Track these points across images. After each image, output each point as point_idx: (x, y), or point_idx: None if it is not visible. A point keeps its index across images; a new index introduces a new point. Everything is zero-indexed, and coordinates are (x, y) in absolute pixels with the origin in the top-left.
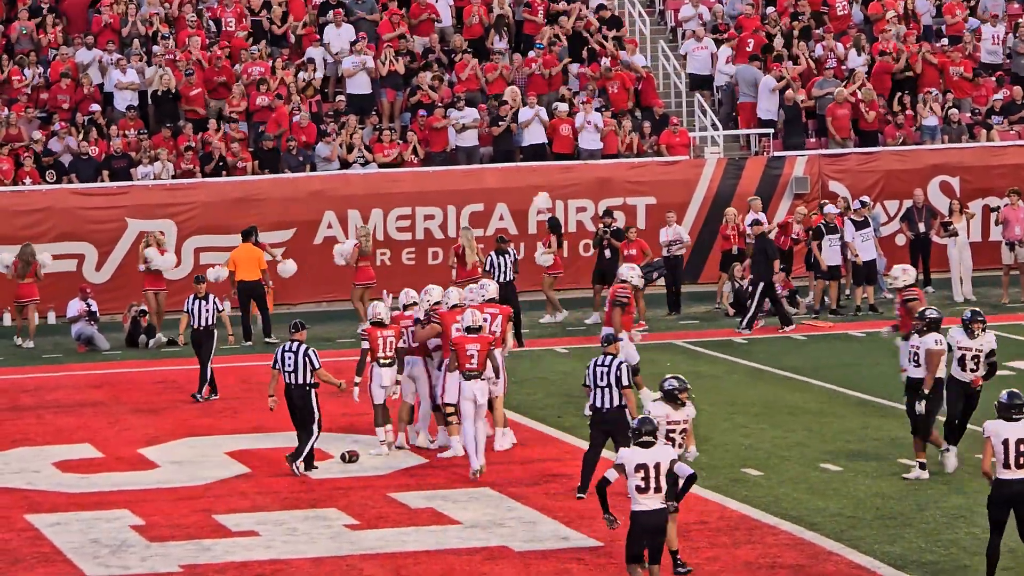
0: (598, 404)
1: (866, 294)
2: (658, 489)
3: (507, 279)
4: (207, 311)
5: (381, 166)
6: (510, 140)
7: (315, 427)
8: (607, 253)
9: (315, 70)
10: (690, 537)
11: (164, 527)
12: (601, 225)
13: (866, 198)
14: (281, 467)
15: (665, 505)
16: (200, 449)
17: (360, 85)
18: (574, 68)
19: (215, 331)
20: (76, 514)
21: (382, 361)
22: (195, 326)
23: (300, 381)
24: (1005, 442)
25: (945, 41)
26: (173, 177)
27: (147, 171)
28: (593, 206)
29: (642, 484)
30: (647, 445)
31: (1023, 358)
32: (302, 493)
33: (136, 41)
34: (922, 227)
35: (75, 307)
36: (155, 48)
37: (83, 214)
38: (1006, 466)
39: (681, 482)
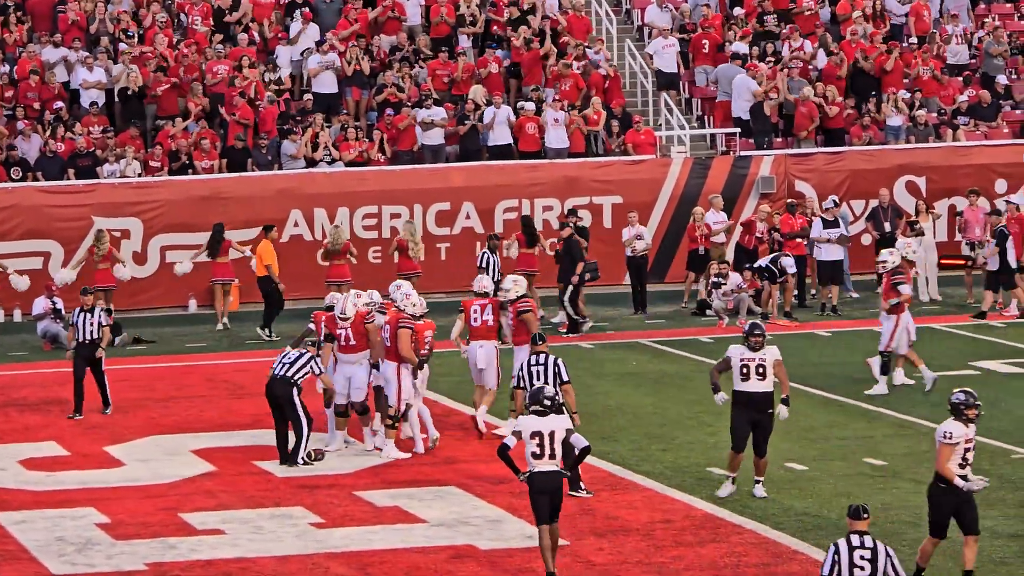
0: None
1: (831, 294)
2: (552, 456)
3: (500, 276)
4: (91, 324)
5: (347, 164)
6: (476, 139)
7: (304, 424)
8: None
9: (281, 69)
10: (654, 536)
11: (130, 525)
12: (566, 221)
13: (835, 197)
14: (247, 466)
15: (559, 468)
16: (166, 447)
17: (326, 84)
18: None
19: (100, 344)
20: (42, 512)
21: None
22: (79, 339)
23: (287, 374)
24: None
25: (913, 40)
26: (139, 175)
27: (113, 169)
28: (560, 205)
29: (537, 450)
30: (542, 414)
31: (991, 359)
32: (268, 492)
33: (104, 39)
34: (888, 226)
35: (40, 305)
36: (122, 46)
37: (49, 212)
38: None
39: (576, 451)
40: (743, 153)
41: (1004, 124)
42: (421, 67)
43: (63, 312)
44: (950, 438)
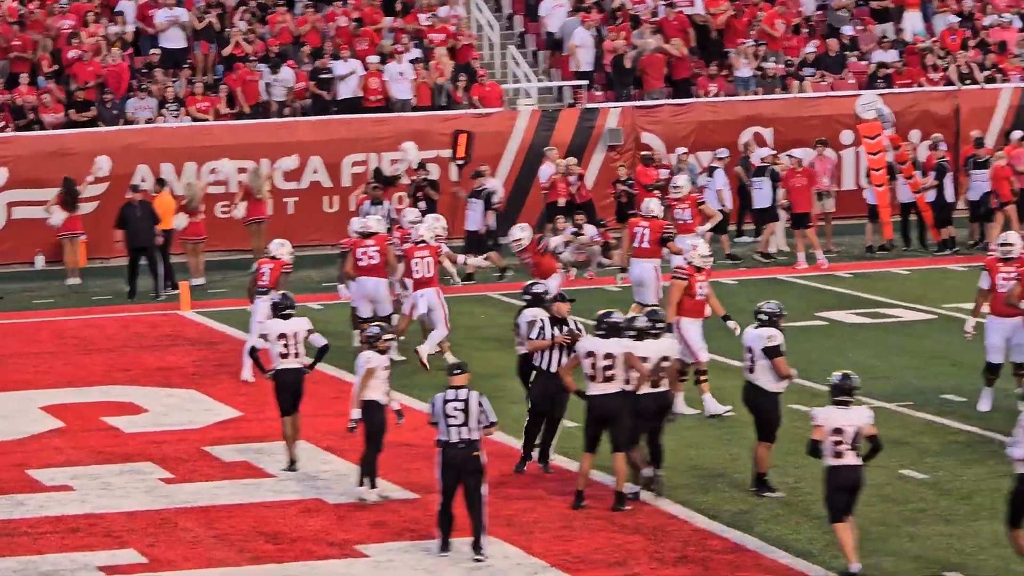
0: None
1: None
2: (297, 355)
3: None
4: None
5: (194, 119)
6: (323, 92)
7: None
8: (422, 205)
9: (125, 23)
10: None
11: None
12: (415, 177)
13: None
14: (96, 422)
15: (303, 366)
16: (14, 403)
17: (173, 39)
18: (387, 21)
19: None
20: None
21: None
22: None
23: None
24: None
25: None
26: None
27: None
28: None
29: (283, 350)
30: (287, 317)
31: (835, 308)
32: (116, 447)
33: None
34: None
35: None
36: None
37: None
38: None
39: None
40: (590, 105)
41: (850, 75)
42: (267, 23)
43: None
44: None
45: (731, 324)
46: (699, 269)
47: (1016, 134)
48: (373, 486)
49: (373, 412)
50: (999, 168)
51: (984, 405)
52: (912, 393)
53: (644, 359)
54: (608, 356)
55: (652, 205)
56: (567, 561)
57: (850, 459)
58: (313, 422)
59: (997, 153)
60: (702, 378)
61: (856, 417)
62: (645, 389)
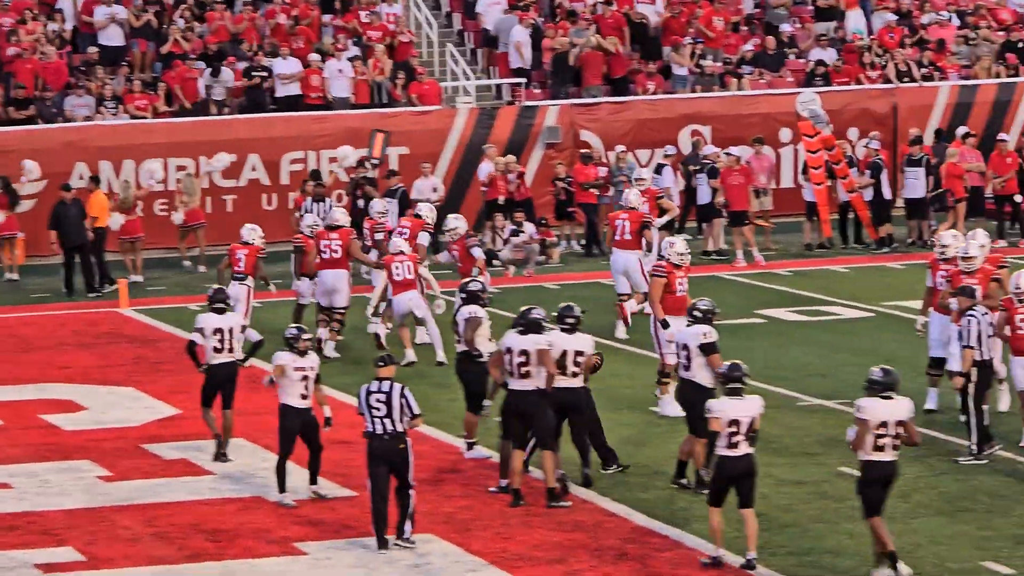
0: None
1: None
2: (231, 350)
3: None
4: None
5: (133, 117)
6: (262, 90)
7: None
8: (360, 203)
9: (65, 21)
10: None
11: None
12: (354, 175)
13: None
14: (34, 419)
15: (236, 360)
16: None
17: (112, 37)
18: (327, 18)
19: None
20: None
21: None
22: None
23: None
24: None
25: None
26: None
27: None
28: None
29: (218, 345)
30: (221, 312)
31: (773, 306)
32: (55, 445)
33: None
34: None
35: None
36: None
37: None
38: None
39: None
40: (528, 103)
41: (788, 73)
42: (205, 20)
43: None
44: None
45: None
46: (677, 266)
47: (961, 130)
48: (305, 485)
49: (283, 416)
50: (952, 166)
51: (930, 403)
52: (850, 391)
53: (570, 353)
54: (523, 353)
55: (632, 197)
56: (506, 559)
57: (744, 449)
58: (253, 420)
59: (950, 150)
60: (663, 379)
61: (750, 407)
62: (560, 383)
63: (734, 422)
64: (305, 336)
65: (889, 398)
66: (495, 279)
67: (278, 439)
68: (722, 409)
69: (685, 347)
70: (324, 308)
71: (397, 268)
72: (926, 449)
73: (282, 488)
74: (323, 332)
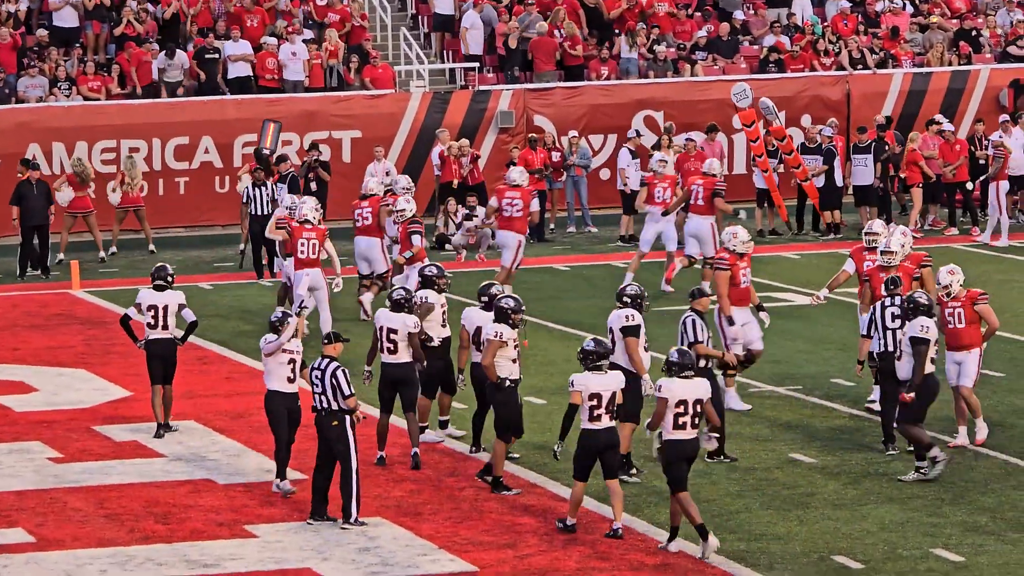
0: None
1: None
2: (166, 327)
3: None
4: None
5: (86, 99)
6: (215, 73)
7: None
8: (313, 186)
9: (18, 1)
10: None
11: None
12: (307, 158)
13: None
14: None
15: (174, 337)
16: None
17: (66, 18)
18: (281, 2)
19: None
20: None
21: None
22: None
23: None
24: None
25: None
26: None
27: None
28: (299, 139)
29: (151, 321)
30: (161, 288)
31: None
32: (5, 427)
33: None
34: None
35: None
36: None
37: None
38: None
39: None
40: (482, 88)
41: (742, 60)
42: (158, 2)
43: None
44: (499, 336)
45: (763, 315)
46: (741, 256)
47: (938, 118)
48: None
49: (269, 401)
50: (911, 152)
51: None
52: (802, 377)
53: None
54: (392, 331)
55: (715, 165)
56: (456, 543)
57: (605, 422)
58: (204, 402)
59: (911, 135)
60: (728, 371)
61: (611, 382)
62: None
63: (595, 395)
64: (291, 319)
65: (688, 378)
66: (447, 263)
67: (269, 427)
68: (584, 383)
69: (611, 331)
70: (364, 276)
71: (303, 245)
72: (874, 434)
73: (281, 475)
74: (367, 296)
